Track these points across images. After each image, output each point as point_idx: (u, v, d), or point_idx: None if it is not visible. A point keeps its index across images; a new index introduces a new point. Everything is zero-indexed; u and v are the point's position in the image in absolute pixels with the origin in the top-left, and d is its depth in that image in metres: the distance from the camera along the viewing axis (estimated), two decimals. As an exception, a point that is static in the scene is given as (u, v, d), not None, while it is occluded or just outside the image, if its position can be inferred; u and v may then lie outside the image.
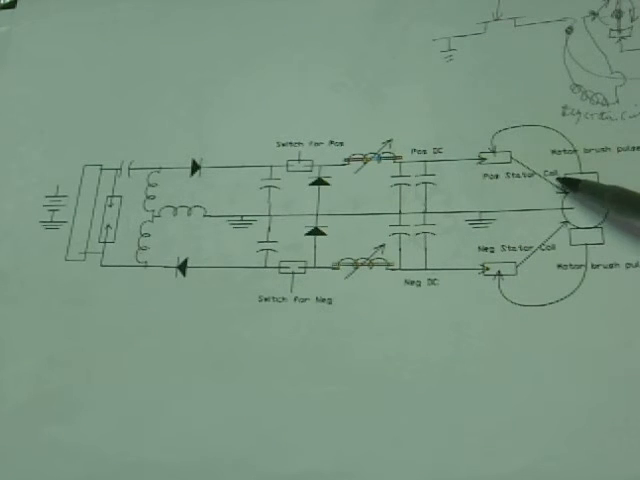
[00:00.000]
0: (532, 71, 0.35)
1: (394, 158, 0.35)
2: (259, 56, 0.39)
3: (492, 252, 0.32)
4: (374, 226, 0.34)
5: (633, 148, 0.32)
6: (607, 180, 0.32)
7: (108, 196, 0.37)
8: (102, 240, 0.36)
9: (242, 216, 0.35)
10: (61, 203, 0.38)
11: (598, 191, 0.31)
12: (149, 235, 0.36)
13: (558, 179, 0.32)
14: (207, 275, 0.34)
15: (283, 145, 0.37)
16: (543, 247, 0.32)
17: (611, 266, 0.31)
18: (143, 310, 0.34)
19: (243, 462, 0.31)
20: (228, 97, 0.38)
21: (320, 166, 0.36)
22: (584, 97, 0.34)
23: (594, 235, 0.31)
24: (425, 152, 0.35)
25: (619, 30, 0.35)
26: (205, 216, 0.36)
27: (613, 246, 0.31)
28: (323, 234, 0.34)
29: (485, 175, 0.34)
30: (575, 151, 0.33)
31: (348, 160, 0.35)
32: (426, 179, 0.34)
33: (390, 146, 0.35)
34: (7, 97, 0.41)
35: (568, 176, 0.32)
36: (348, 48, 0.38)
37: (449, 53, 0.37)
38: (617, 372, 0.29)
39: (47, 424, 0.33)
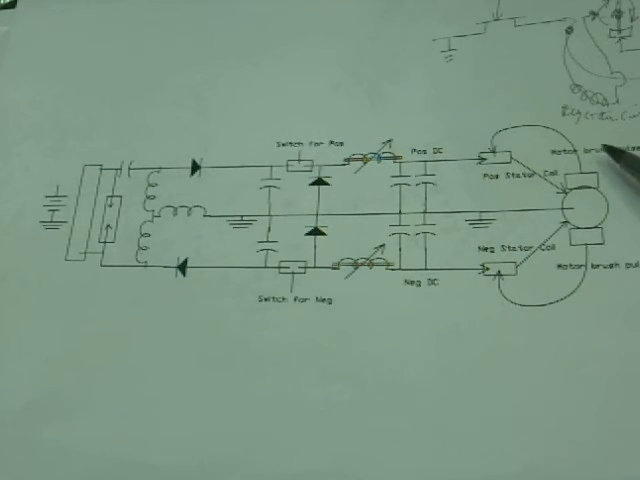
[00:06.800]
0: (532, 71, 0.35)
1: (394, 158, 0.35)
2: (259, 56, 0.39)
3: (492, 252, 0.32)
4: (374, 226, 0.34)
5: (633, 148, 0.32)
6: (607, 180, 0.32)
7: (108, 196, 0.37)
8: (102, 240, 0.36)
9: (242, 216, 0.35)
10: (61, 203, 0.38)
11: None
12: (149, 235, 0.36)
13: (604, 146, 0.32)
14: (207, 275, 0.34)
15: (283, 145, 0.37)
16: (543, 247, 0.32)
17: (611, 266, 0.31)
18: (143, 310, 0.34)
19: (243, 462, 0.31)
20: (228, 97, 0.38)
21: (320, 166, 0.36)
22: (584, 97, 0.34)
23: (594, 235, 0.31)
24: (425, 152, 0.35)
25: (619, 30, 0.35)
26: (205, 216, 0.36)
27: (613, 246, 0.31)
28: (323, 234, 0.34)
29: (485, 175, 0.34)
30: (575, 151, 0.33)
31: (348, 160, 0.35)
32: (426, 179, 0.34)
33: (390, 146, 0.35)
34: (7, 97, 0.41)
35: (613, 146, 0.32)
36: (348, 48, 0.38)
37: (449, 53, 0.37)
38: (617, 372, 0.29)
39: (47, 424, 0.33)
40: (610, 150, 0.32)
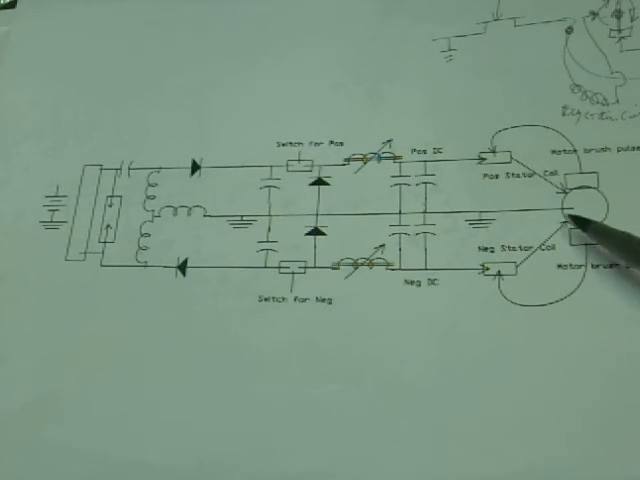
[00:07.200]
0: (532, 71, 0.35)
1: (394, 158, 0.35)
2: (259, 56, 0.39)
3: (492, 252, 0.32)
4: (374, 226, 0.34)
5: (633, 148, 0.32)
6: (607, 180, 0.32)
7: (108, 196, 0.37)
8: (102, 240, 0.36)
9: (242, 216, 0.35)
10: (61, 203, 0.38)
11: (607, 234, 0.30)
12: (149, 235, 0.36)
13: (570, 216, 0.31)
14: (207, 275, 0.34)
15: (283, 145, 0.37)
16: (543, 247, 0.32)
17: (611, 266, 0.31)
18: (143, 310, 0.34)
19: (243, 462, 0.31)
20: (228, 97, 0.38)
21: (320, 166, 0.36)
22: (584, 97, 0.34)
23: (594, 235, 0.31)
24: (425, 152, 0.35)
25: (619, 30, 0.35)
26: (205, 216, 0.36)
27: (613, 246, 0.31)
28: (323, 234, 0.34)
29: (485, 175, 0.34)
30: (575, 151, 0.33)
31: (348, 160, 0.35)
32: (426, 179, 0.34)
33: (390, 146, 0.35)
34: (7, 97, 0.41)
35: (580, 215, 0.31)
36: (348, 48, 0.38)
37: (449, 53, 0.37)
38: (617, 372, 0.29)
39: (47, 424, 0.33)
40: (576, 220, 0.31)
